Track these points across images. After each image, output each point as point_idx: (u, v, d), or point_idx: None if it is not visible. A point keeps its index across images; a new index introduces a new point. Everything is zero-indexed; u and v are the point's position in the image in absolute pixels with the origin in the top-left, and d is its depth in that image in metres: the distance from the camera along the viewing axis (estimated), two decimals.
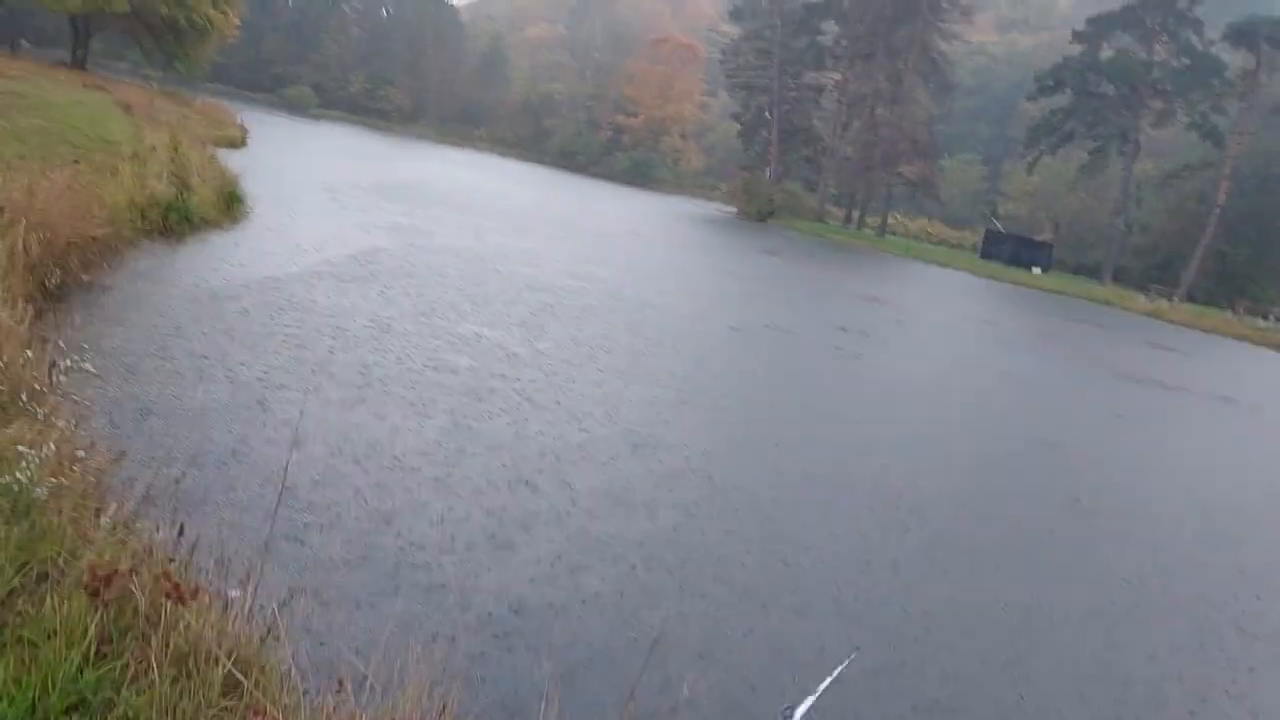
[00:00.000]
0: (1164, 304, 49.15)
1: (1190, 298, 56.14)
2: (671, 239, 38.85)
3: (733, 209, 69.33)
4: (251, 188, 19.98)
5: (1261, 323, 46.58)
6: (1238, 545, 10.57)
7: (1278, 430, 20.27)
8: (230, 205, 18.30)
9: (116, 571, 3.66)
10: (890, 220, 72.86)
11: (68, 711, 3.18)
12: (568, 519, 7.40)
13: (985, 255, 63.82)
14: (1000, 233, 68.02)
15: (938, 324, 28.31)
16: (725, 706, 5.27)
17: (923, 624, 6.80)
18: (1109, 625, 7.50)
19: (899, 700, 5.76)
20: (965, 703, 5.94)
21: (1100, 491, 11.65)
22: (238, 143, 34.95)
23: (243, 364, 9.48)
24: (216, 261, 14.25)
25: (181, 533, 4.58)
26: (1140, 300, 50.18)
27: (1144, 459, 14.54)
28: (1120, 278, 61.12)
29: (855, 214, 72.53)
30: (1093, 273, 64.02)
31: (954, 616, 7.10)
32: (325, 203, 24.24)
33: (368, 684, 3.71)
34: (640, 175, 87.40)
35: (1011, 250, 63.22)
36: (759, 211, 65.18)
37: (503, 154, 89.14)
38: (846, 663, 4.74)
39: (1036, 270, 59.40)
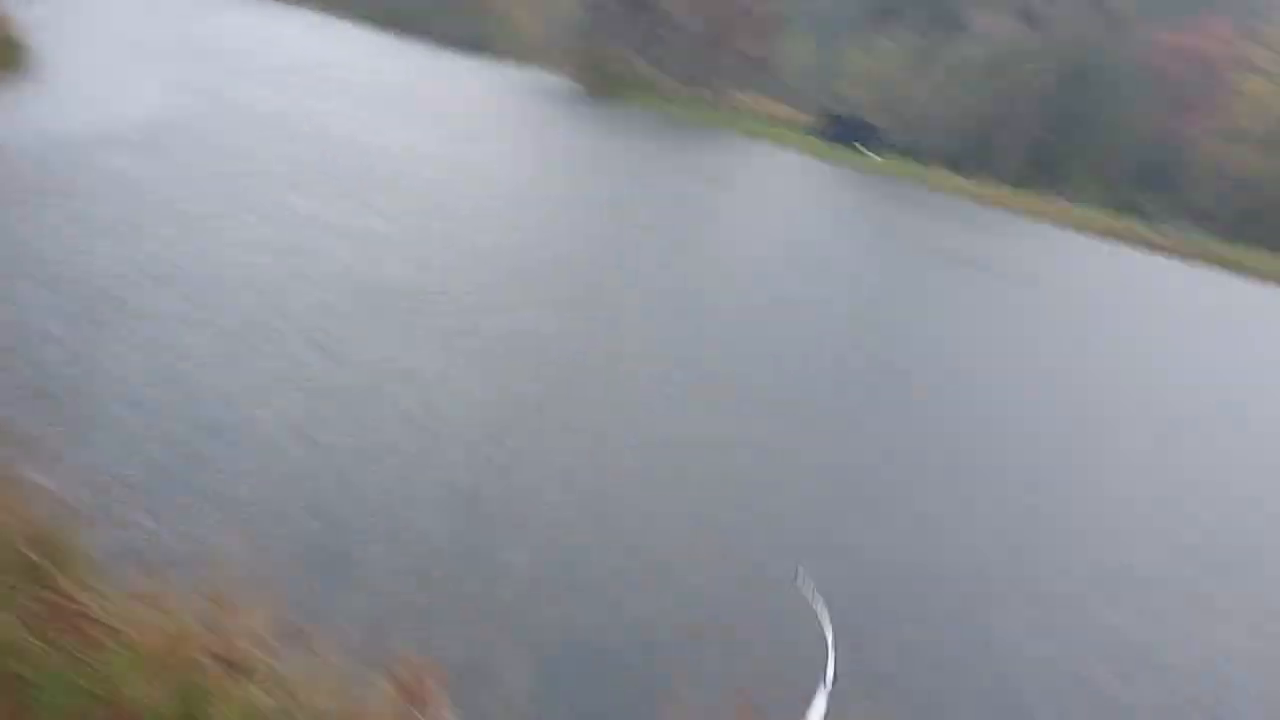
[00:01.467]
0: (986, 188, 51.41)
1: (1011, 182, 58.89)
2: (507, 117, 37.28)
3: (573, 82, 67.18)
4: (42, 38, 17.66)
5: (1063, 204, 49.54)
6: (1032, 411, 11.15)
7: (1068, 305, 21.47)
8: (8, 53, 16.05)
9: None
10: (734, 99, 72.46)
11: None
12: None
13: (820, 136, 64.63)
14: (835, 114, 68.85)
15: (770, 204, 28.49)
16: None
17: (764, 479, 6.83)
18: (916, 482, 7.82)
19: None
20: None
21: (908, 361, 12.03)
22: None
23: None
24: None
25: None
26: (964, 183, 52.28)
27: (950, 332, 15.09)
28: (947, 161, 63.39)
29: (697, 91, 71.61)
30: (922, 156, 66.08)
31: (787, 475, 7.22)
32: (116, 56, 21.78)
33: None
34: (476, 43, 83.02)
35: (845, 132, 64.22)
36: (599, 86, 63.36)
37: (337, 15, 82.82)
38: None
39: (869, 153, 60.76)
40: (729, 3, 66.58)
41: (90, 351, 6.60)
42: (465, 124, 27.56)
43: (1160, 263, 40.18)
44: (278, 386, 6.92)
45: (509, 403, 7.77)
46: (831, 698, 3.29)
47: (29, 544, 3.43)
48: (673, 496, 6.86)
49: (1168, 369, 15.89)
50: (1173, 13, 72.66)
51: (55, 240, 8.51)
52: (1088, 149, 69.24)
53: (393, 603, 4.72)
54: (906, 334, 13.87)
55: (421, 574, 5.08)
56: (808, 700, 3.18)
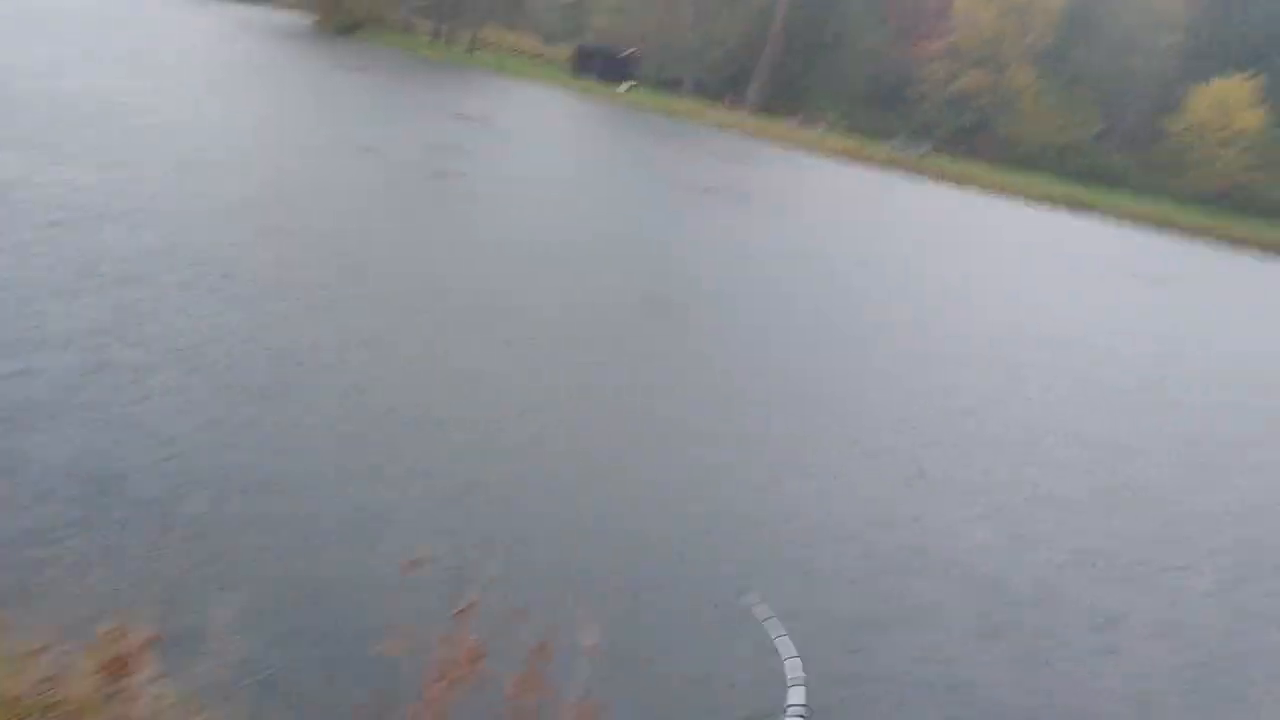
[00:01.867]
0: (734, 115, 52.97)
1: (757, 109, 61.00)
2: (237, 55, 34.36)
3: (309, 19, 63.04)
4: None
5: (812, 130, 51.98)
6: (777, 319, 11.59)
7: (800, 227, 22.39)
8: None
9: None
10: (483, 35, 70.53)
11: None
12: None
13: (576, 71, 64.26)
14: (590, 48, 68.57)
15: (530, 140, 28.04)
16: None
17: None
18: (678, 395, 7.97)
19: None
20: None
21: (668, 284, 12.21)
22: None
23: None
24: None
25: None
26: (714, 113, 53.60)
27: (697, 253, 15.42)
28: (699, 91, 64.79)
29: (444, 27, 69.20)
30: (675, 87, 67.14)
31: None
32: None
33: None
34: None
35: (601, 66, 64.10)
36: (340, 23, 59.81)
37: None
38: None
39: (625, 85, 61.03)
40: None
41: None
42: (161, 62, 25.09)
43: (898, 180, 42.83)
44: None
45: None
46: None
47: None
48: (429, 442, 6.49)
49: (907, 281, 16.88)
50: None
51: None
52: (826, 75, 72.72)
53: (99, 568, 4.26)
54: (663, 263, 13.98)
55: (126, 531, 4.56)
56: None
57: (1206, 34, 75.01)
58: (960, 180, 46.18)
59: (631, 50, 67.99)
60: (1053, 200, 45.36)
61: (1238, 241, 45.19)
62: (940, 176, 46.38)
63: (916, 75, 74.68)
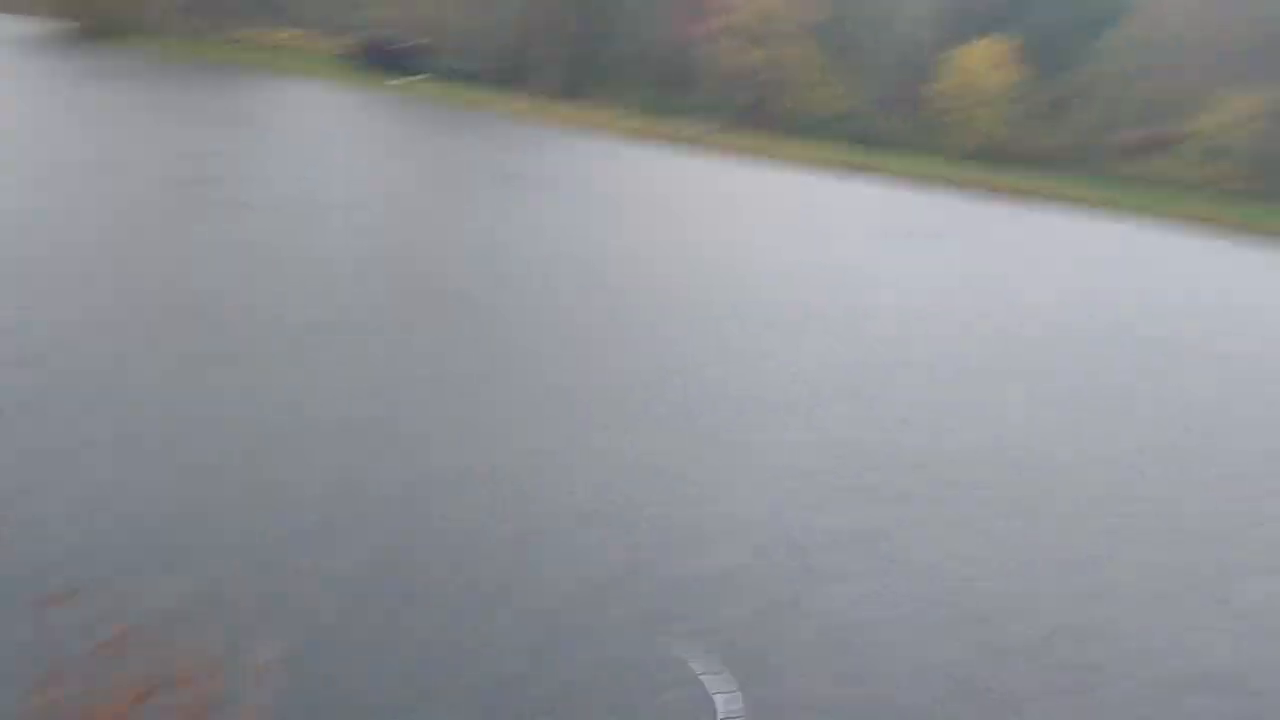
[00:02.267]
0: (531, 103, 52.90)
1: (553, 95, 61.04)
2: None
3: (62, 24, 58.27)
4: None
5: (606, 113, 52.61)
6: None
7: (587, 205, 22.86)
8: None
9: None
10: (250, 33, 67.15)
11: None
12: None
13: (358, 64, 62.32)
14: (370, 40, 66.64)
15: (300, 141, 27.11)
16: None
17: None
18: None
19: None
20: None
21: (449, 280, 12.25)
22: None
23: None
24: None
25: None
26: (510, 102, 53.35)
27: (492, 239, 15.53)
28: (493, 81, 64.18)
29: (208, 24, 65.41)
30: (467, 77, 66.28)
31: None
32: None
33: None
34: None
35: (386, 58, 62.45)
36: (98, 28, 55.57)
37: None
38: None
39: (410, 77, 59.71)
40: None
41: None
42: None
43: (690, 156, 44.05)
44: None
45: None
46: None
47: None
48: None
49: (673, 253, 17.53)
50: None
51: None
52: (618, 60, 73.62)
53: None
54: (443, 250, 13.97)
55: None
56: None
57: (960, 2, 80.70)
58: (747, 153, 48.09)
59: (420, 41, 66.64)
60: (835, 165, 47.94)
61: (998, 191, 49.04)
62: (729, 150, 48.11)
63: (702, 55, 76.73)
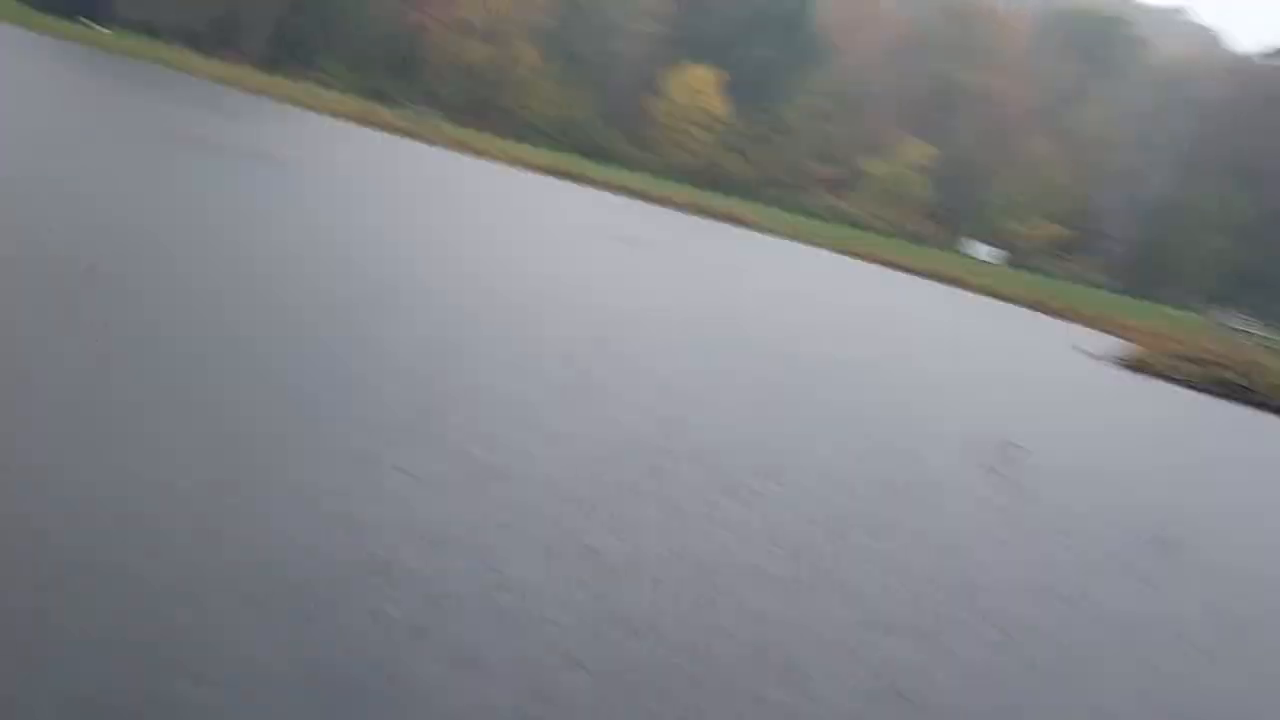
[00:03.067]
0: (233, 70, 49.48)
1: (260, 65, 57.47)
2: None
3: None
4: None
5: (317, 90, 50.33)
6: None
7: (282, 175, 21.74)
8: None
9: None
10: None
11: None
12: None
13: (35, 5, 55.51)
14: None
15: None
16: None
17: None
18: None
19: None
20: None
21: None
22: None
23: None
24: None
25: None
26: (208, 65, 49.62)
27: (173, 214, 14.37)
28: (190, 39, 59.35)
29: None
30: (162, 32, 60.86)
31: None
32: None
33: None
34: None
35: (66, 2, 56.11)
36: None
37: None
38: None
39: (97, 26, 54.02)
40: None
41: None
42: None
43: (404, 145, 43.07)
44: None
45: None
46: None
47: None
48: None
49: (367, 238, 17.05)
50: None
51: None
52: (336, 35, 70.64)
53: None
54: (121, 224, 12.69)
55: None
56: None
57: (682, 25, 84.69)
58: (464, 147, 47.69)
59: None
60: (550, 170, 48.62)
61: (707, 211, 51.63)
62: (446, 143, 47.48)
63: (430, 44, 75.38)
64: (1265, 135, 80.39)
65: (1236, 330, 38.36)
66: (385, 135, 44.80)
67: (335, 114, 47.20)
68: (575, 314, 12.92)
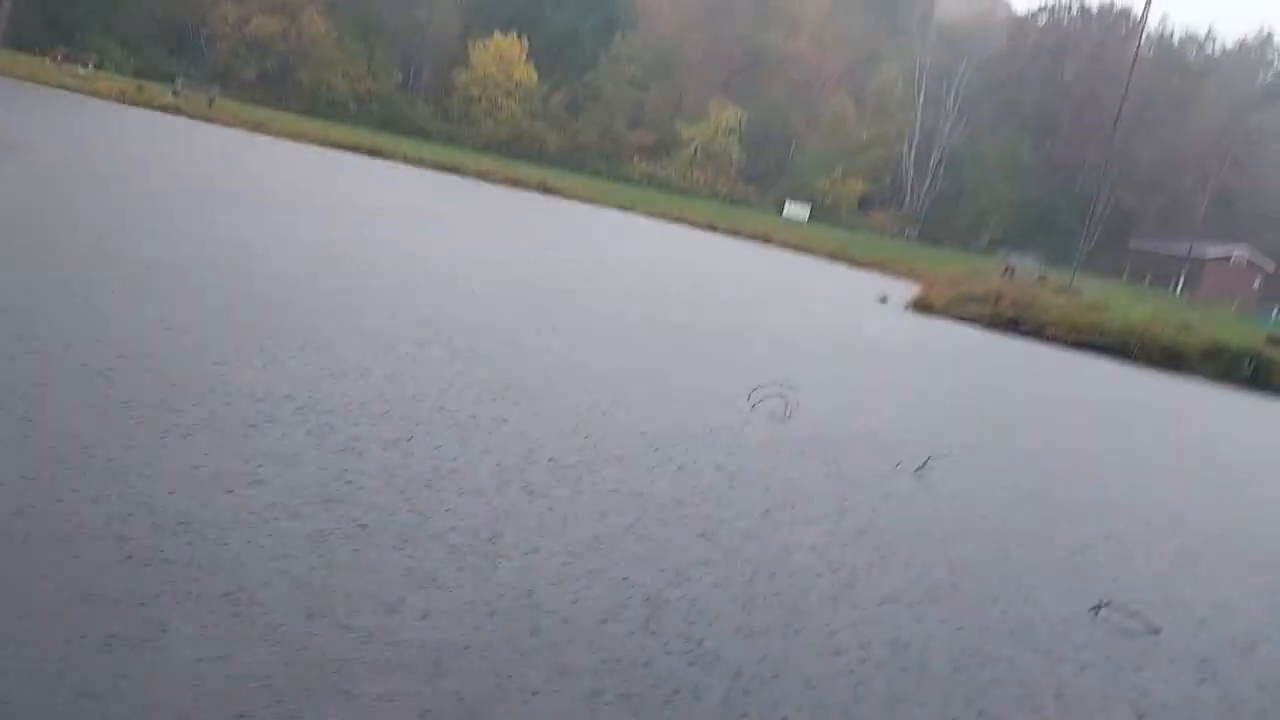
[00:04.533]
0: None
1: (10, 44, 52.37)
2: None
3: None
4: None
5: (80, 70, 46.20)
6: None
7: (79, 175, 19.81)
8: None
9: None
10: None
11: None
12: None
13: None
14: None
15: None
16: None
17: None
18: None
19: None
20: None
21: None
22: None
23: None
24: None
25: None
26: None
27: None
28: None
29: None
30: None
31: None
32: None
33: None
34: None
35: None
36: None
37: None
38: None
39: None
40: None
41: None
42: None
43: (188, 124, 40.17)
44: None
45: None
46: None
47: None
48: None
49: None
50: None
51: None
52: (105, 9, 65.19)
53: None
54: None
55: None
56: None
57: None
58: (252, 126, 44.85)
59: None
60: (349, 147, 46.36)
61: (517, 182, 50.44)
62: (231, 122, 44.56)
63: (205, 17, 70.58)
64: (1039, 87, 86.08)
65: (1019, 270, 40.70)
66: (160, 115, 41.59)
67: (109, 96, 43.52)
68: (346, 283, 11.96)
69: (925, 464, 8.26)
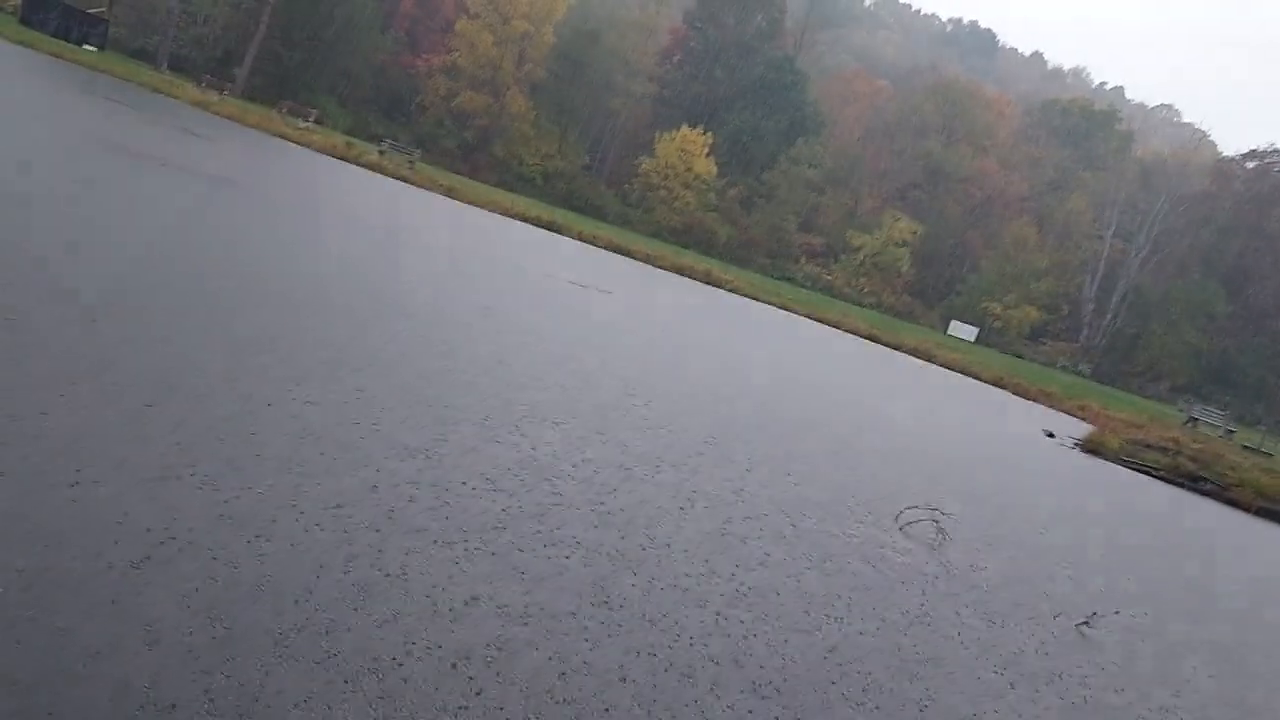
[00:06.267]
0: (214, 96, 49.39)
1: (245, 94, 57.54)
2: None
3: None
4: None
5: (301, 123, 50.19)
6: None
7: (248, 201, 21.44)
8: None
9: None
10: None
11: None
12: None
13: (28, 22, 55.69)
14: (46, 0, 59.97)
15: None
16: None
17: None
18: None
19: None
20: None
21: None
22: None
23: None
24: None
25: None
26: (191, 90, 49.54)
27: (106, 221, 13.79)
28: (177, 66, 59.52)
29: None
30: (150, 58, 61.08)
31: None
32: None
33: None
34: None
35: (59, 21, 56.29)
36: None
37: None
38: None
39: (88, 46, 54.10)
40: None
41: None
42: None
43: (387, 182, 42.90)
44: None
45: None
46: None
47: None
48: None
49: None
50: None
51: None
52: (331, 73, 71.07)
53: None
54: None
55: None
56: None
57: (678, 88, 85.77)
58: (445, 190, 47.50)
59: (98, 10, 60.64)
60: (530, 219, 48.36)
61: (682, 270, 51.30)
62: (426, 184, 47.33)
63: (419, 87, 75.96)
64: (1242, 234, 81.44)
65: (1203, 423, 38.02)
66: (364, 172, 44.61)
67: (314, 146, 47.10)
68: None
69: (1090, 620, 7.65)
